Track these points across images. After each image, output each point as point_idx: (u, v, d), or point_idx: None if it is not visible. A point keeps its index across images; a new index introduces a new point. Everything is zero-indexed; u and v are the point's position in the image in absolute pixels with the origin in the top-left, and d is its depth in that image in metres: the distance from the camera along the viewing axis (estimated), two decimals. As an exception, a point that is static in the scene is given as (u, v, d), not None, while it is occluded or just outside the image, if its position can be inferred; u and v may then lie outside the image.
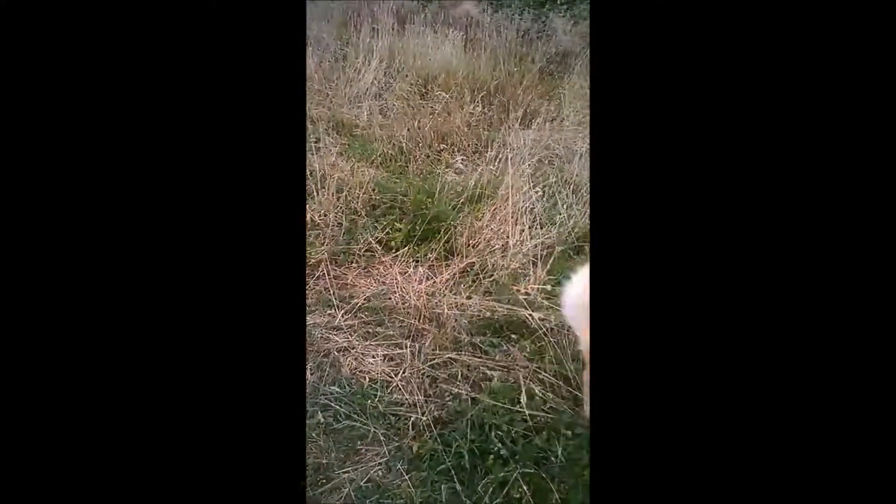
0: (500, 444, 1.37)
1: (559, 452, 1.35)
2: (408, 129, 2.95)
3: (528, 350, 1.66)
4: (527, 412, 1.44)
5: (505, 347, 1.68)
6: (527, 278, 1.98)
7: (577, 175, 2.59)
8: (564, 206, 2.38)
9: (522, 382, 1.53)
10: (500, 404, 1.46)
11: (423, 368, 1.58)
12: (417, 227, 2.17)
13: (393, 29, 4.62)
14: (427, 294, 1.86)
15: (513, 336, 1.72)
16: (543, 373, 1.57)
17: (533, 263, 2.07)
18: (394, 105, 3.31)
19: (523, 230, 2.20)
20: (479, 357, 1.64)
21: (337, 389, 1.48)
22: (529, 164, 2.52)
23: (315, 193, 2.33)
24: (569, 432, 1.41)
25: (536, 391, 1.52)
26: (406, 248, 2.10)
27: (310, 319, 1.73)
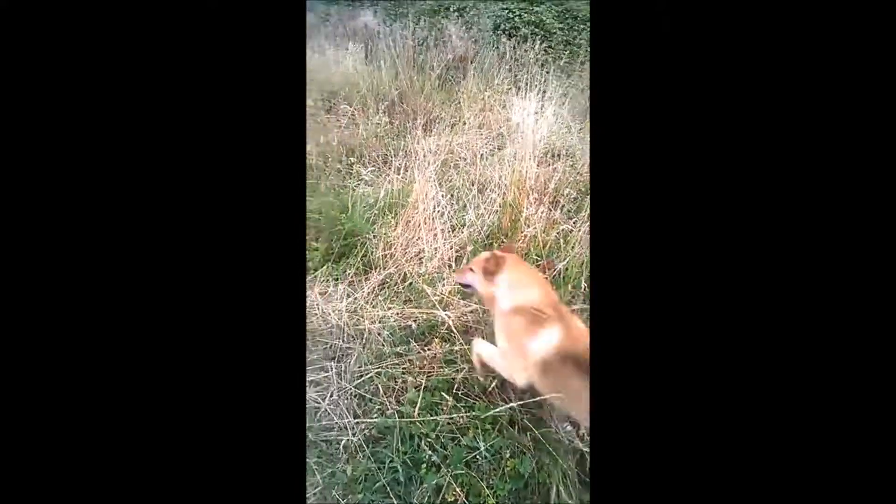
0: (430, 452, 1.32)
1: (483, 448, 1.33)
2: (316, 145, 2.78)
3: (445, 353, 1.61)
4: (452, 416, 1.40)
5: (426, 352, 1.63)
6: (443, 281, 1.93)
7: (480, 175, 2.56)
8: (472, 207, 2.35)
9: (445, 388, 1.48)
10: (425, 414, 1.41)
11: (350, 388, 1.49)
12: (334, 245, 2.05)
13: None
14: (348, 311, 1.76)
15: (434, 340, 1.67)
16: (462, 373, 1.54)
17: (448, 266, 2.03)
18: (300, 122, 3.11)
19: (436, 234, 2.14)
20: (403, 366, 1.57)
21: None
22: (435, 170, 2.47)
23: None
24: (490, 426, 1.39)
25: (458, 393, 1.48)
26: (324, 266, 1.98)
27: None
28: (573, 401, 1.19)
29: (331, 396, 1.46)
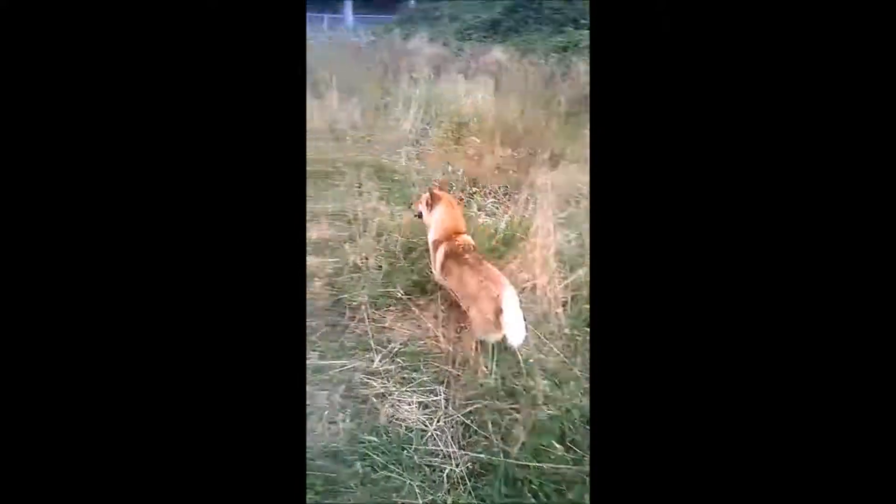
0: (533, 500, 1.27)
1: (592, 510, 1.23)
2: (443, 174, 2.91)
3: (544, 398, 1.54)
4: (559, 466, 1.33)
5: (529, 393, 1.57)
6: (549, 323, 1.87)
7: (602, 215, 2.46)
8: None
9: (555, 435, 1.42)
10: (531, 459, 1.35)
11: (457, 416, 1.50)
12: (451, 270, 2.10)
13: (429, 77, 4.65)
14: (459, 338, 1.79)
15: (531, 382, 1.61)
16: (566, 427, 1.46)
17: (563, 305, 1.96)
18: (430, 150, 3.29)
19: (552, 272, 2.09)
20: (508, 403, 1.54)
21: (374, 438, 1.41)
22: (557, 206, 2.43)
23: (357, 237, 2.31)
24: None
25: (566, 441, 1.41)
26: (440, 290, 2.03)
27: (349, 363, 1.68)
28: (469, 296, 1.66)
29: (437, 422, 1.48)
